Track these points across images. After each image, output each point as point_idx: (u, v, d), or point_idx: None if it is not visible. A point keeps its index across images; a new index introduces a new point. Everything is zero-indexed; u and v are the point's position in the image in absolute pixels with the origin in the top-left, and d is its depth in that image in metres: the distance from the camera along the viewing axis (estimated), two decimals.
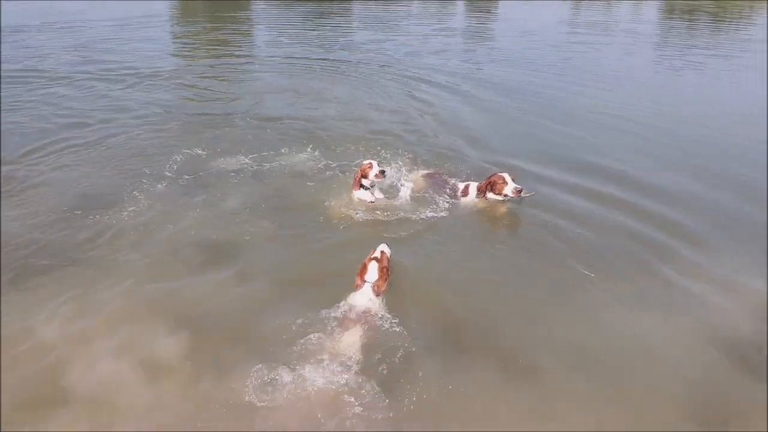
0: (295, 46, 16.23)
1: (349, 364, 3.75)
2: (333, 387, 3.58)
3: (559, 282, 4.87)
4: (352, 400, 3.50)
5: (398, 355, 3.87)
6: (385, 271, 4.39)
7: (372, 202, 5.96)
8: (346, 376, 3.65)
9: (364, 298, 4.29)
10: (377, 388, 3.59)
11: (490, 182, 5.83)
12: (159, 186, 6.34)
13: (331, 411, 3.44)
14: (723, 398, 3.70)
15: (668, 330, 4.30)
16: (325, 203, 5.99)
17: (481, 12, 28.28)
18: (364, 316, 4.16)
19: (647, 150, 8.10)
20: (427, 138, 8.39)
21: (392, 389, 3.62)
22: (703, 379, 3.84)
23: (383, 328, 4.11)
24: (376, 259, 4.45)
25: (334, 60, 14.08)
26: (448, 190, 6.20)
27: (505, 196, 5.75)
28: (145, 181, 6.44)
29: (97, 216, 5.63)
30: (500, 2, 34.26)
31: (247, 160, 7.11)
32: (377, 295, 4.29)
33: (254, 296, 4.54)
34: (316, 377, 3.63)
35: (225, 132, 8.35)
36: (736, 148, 8.30)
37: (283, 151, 7.41)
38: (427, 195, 6.14)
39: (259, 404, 3.47)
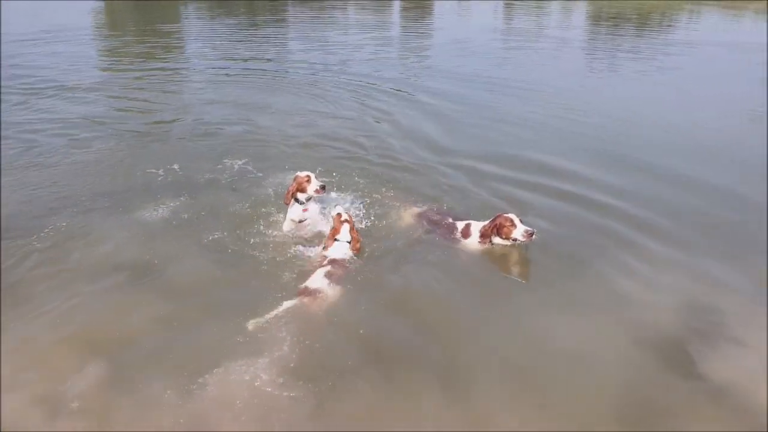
0: (227, 57, 15.88)
1: (280, 380, 3.63)
2: (261, 402, 3.47)
3: (491, 290, 4.82)
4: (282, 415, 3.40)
5: (330, 371, 3.78)
6: (357, 232, 5.07)
7: (302, 221, 5.44)
8: (276, 393, 3.54)
9: (342, 250, 4.94)
10: (305, 400, 3.51)
11: (496, 225, 5.12)
12: (83, 205, 6.01)
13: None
14: (650, 397, 3.71)
15: (596, 332, 4.29)
16: (259, 220, 5.69)
17: (417, 21, 28.50)
18: (342, 263, 4.81)
19: (584, 147, 8.40)
20: (375, 143, 8.32)
21: (322, 402, 3.53)
22: (630, 379, 3.86)
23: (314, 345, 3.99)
24: (347, 221, 5.05)
25: (268, 70, 13.86)
26: (441, 231, 5.49)
27: (515, 240, 5.09)
28: (67, 200, 6.10)
29: (10, 241, 5.24)
30: (435, 4, 34.75)
31: (179, 175, 6.83)
32: (355, 253, 4.97)
33: (177, 316, 4.30)
34: (242, 392, 3.52)
35: (156, 146, 8.03)
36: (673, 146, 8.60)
37: (216, 165, 7.16)
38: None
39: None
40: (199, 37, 19.99)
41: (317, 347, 4.02)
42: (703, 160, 8.03)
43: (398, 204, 6.13)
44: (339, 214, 5.16)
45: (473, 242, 5.27)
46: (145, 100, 10.72)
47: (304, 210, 5.44)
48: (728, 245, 5.56)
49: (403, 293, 4.69)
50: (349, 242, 5.00)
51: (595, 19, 30.30)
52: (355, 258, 4.96)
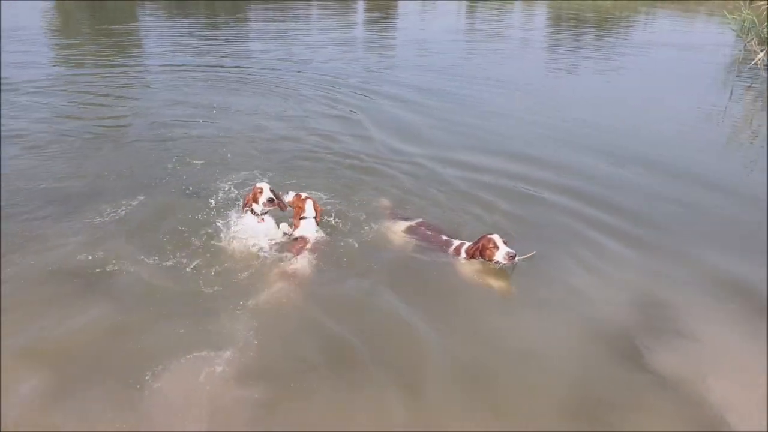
0: (186, 57, 15.55)
1: (235, 380, 3.57)
2: (212, 402, 3.42)
3: (442, 289, 4.82)
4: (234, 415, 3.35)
5: (288, 370, 3.75)
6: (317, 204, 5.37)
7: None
8: (230, 393, 3.49)
9: (312, 227, 5.25)
10: (260, 400, 3.48)
11: (478, 247, 4.95)
12: (36, 210, 5.78)
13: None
14: (601, 393, 3.75)
15: (550, 329, 4.33)
16: (214, 227, 5.49)
17: (380, 21, 28.52)
18: (316, 243, 5.15)
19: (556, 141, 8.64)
20: (339, 143, 8.26)
21: (277, 402, 3.50)
22: (583, 375, 3.90)
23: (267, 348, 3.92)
24: (308, 197, 5.34)
25: (228, 70, 13.60)
26: (434, 246, 5.32)
27: (496, 263, 4.91)
28: (19, 205, 5.85)
29: None
30: (399, 4, 34.83)
31: (134, 178, 6.62)
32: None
33: (128, 323, 4.17)
34: (194, 393, 3.47)
35: (111, 148, 7.75)
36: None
37: (173, 167, 6.98)
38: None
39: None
40: (157, 37, 19.55)
41: (276, 347, 3.97)
42: (658, 155, 8.27)
43: (373, 211, 5.93)
44: (298, 194, 5.37)
45: (461, 260, 5.11)
46: (101, 102, 10.37)
47: (260, 221, 5.30)
48: (681, 241, 5.71)
49: (367, 295, 4.65)
50: (314, 217, 5.24)
51: (556, 21, 30.85)
52: (323, 235, 5.29)
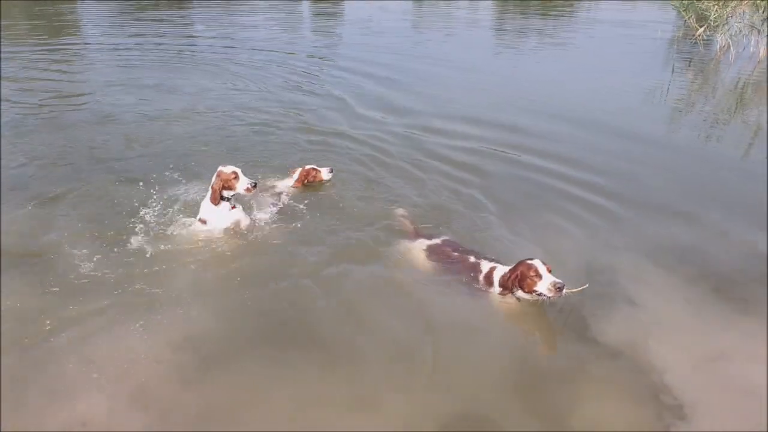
0: (129, 37, 14.93)
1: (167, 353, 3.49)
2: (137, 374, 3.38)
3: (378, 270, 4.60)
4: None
5: (221, 345, 3.66)
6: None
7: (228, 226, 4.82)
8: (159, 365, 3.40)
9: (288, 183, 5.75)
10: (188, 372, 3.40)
11: (516, 275, 4.01)
12: None
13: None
14: (545, 364, 3.69)
15: (489, 302, 4.15)
16: (164, 212, 5.14)
17: (328, 7, 27.97)
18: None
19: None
20: (294, 120, 8.12)
21: (205, 374, 3.42)
22: (525, 347, 3.79)
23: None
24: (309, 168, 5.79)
25: (173, 50, 13.22)
26: (466, 273, 4.36)
27: (540, 295, 3.95)
28: None
29: None
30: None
31: (74, 165, 6.24)
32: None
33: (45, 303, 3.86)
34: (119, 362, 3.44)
35: (49, 133, 7.24)
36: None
37: (118, 153, 6.61)
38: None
39: None
40: (97, 17, 18.68)
41: (213, 323, 3.84)
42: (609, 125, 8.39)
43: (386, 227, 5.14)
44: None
45: (495, 294, 4.17)
46: (39, 85, 9.74)
47: (232, 207, 4.83)
48: (623, 206, 5.71)
49: (311, 276, 4.41)
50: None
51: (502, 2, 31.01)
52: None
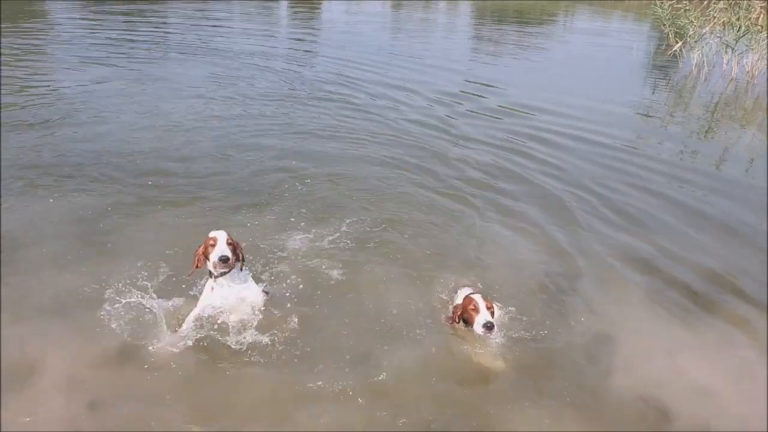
0: (107, 36, 14.32)
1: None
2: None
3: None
4: None
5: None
6: None
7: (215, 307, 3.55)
8: None
9: None
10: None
11: (464, 306, 3.62)
12: None
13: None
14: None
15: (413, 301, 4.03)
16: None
17: (305, 14, 27.74)
18: None
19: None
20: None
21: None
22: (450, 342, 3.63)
23: None
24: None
25: (156, 49, 12.80)
26: None
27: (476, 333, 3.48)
28: None
29: None
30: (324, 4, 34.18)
31: (49, 172, 5.72)
32: None
33: None
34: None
35: (21, 135, 6.68)
36: None
37: (95, 159, 6.12)
38: None
39: None
40: (68, 14, 18.10)
41: None
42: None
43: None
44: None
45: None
46: (10, 83, 9.04)
47: (211, 290, 3.57)
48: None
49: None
50: None
51: (480, 15, 31.24)
52: None
